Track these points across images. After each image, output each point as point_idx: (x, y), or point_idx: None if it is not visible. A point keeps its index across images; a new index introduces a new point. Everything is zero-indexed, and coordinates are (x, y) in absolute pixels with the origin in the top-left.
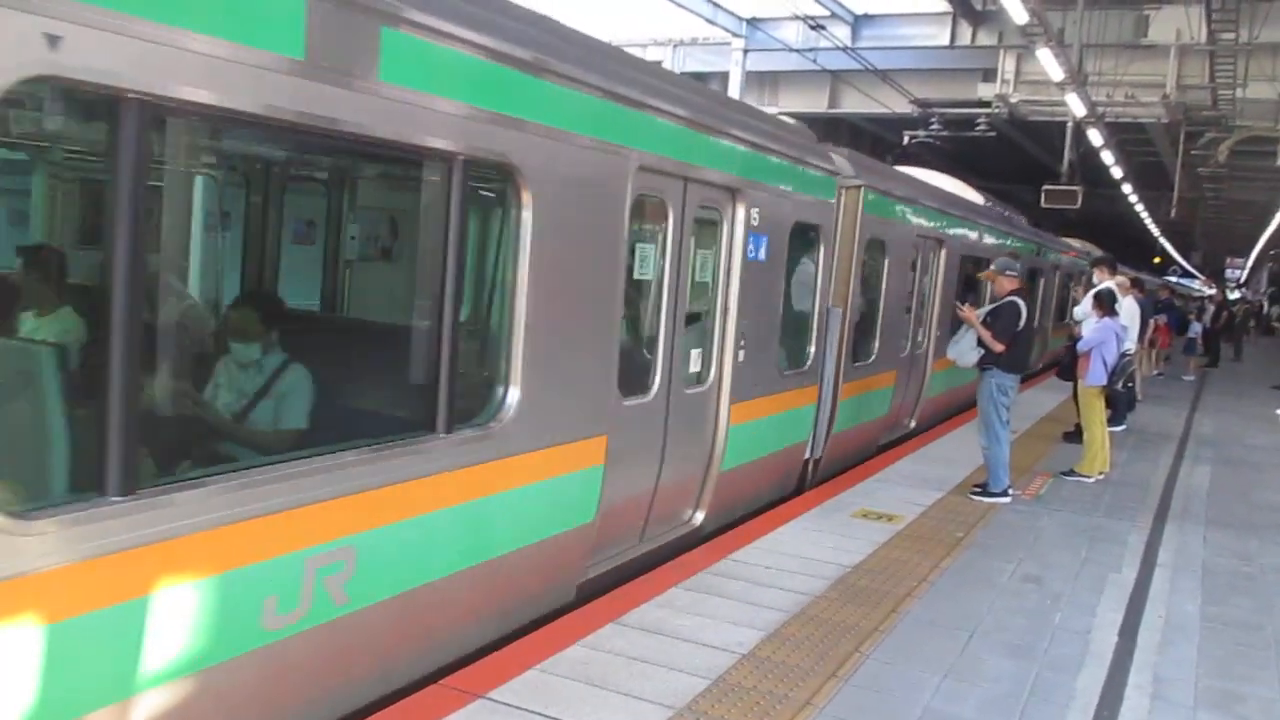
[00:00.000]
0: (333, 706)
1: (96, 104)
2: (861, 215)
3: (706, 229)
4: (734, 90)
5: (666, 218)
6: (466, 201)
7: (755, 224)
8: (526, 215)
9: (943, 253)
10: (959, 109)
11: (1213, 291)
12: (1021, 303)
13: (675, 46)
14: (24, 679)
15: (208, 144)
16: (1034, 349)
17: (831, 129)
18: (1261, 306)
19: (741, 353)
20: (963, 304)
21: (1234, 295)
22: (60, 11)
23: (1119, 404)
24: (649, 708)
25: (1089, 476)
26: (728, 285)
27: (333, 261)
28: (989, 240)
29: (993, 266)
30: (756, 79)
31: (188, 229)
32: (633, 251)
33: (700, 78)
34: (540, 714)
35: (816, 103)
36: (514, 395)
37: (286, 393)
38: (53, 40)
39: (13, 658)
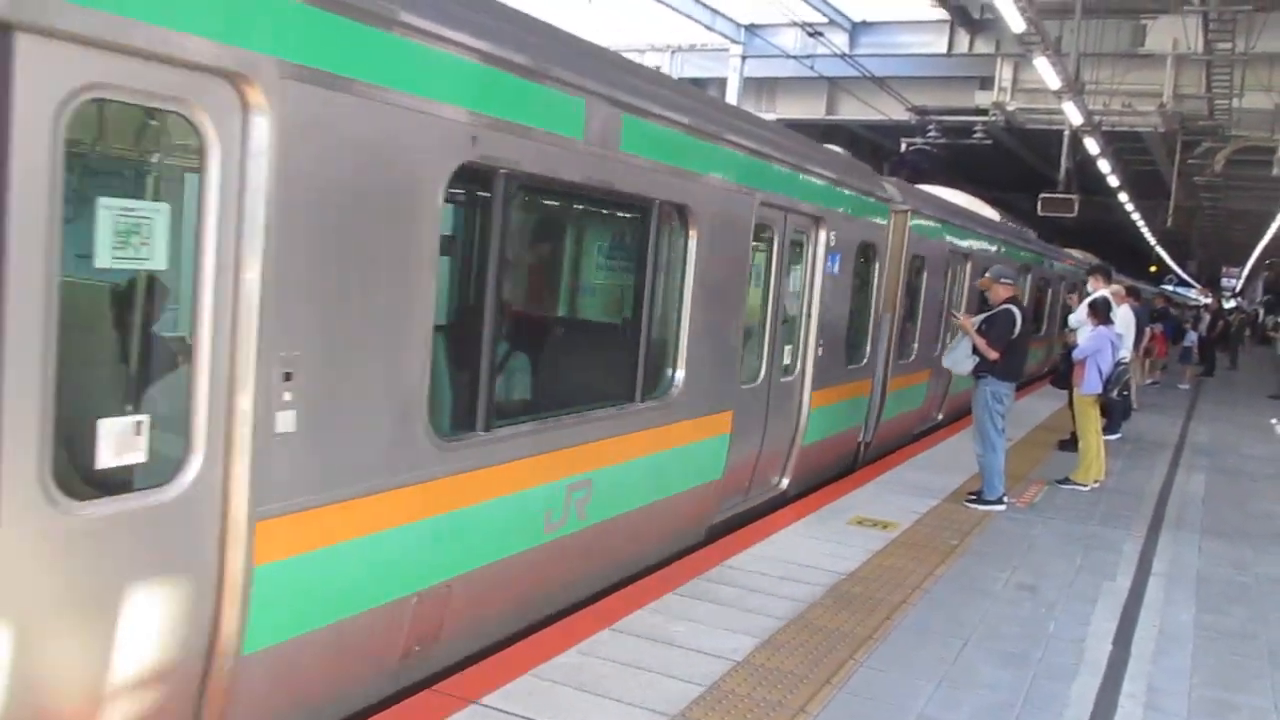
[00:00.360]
0: (563, 597)
1: (479, 177)
2: (908, 235)
3: (797, 249)
4: (731, 97)
5: (773, 241)
6: (660, 234)
7: (832, 244)
8: (692, 244)
9: (968, 265)
10: (956, 117)
11: (1208, 300)
12: (1016, 311)
13: (674, 52)
14: (432, 547)
15: (528, 200)
16: (1038, 356)
17: (829, 136)
18: (1257, 315)
19: (820, 349)
20: (971, 312)
21: (1230, 304)
22: (477, 121)
23: (1114, 412)
24: (642, 714)
25: (1084, 485)
26: (811, 294)
27: (576, 278)
28: (1006, 253)
29: (988, 274)
30: (754, 85)
31: (523, 258)
32: (751, 267)
33: (699, 84)
34: None
35: (814, 109)
36: (680, 376)
37: (511, 373)
38: (474, 140)
39: (428, 532)
